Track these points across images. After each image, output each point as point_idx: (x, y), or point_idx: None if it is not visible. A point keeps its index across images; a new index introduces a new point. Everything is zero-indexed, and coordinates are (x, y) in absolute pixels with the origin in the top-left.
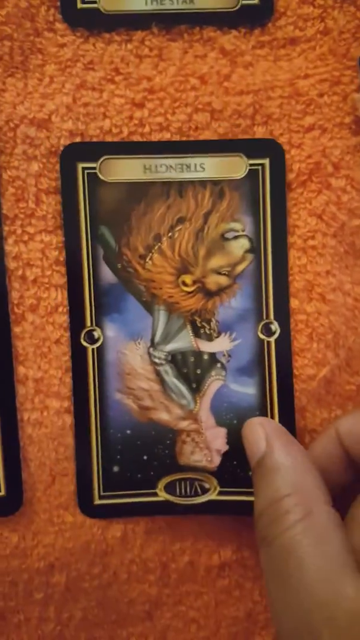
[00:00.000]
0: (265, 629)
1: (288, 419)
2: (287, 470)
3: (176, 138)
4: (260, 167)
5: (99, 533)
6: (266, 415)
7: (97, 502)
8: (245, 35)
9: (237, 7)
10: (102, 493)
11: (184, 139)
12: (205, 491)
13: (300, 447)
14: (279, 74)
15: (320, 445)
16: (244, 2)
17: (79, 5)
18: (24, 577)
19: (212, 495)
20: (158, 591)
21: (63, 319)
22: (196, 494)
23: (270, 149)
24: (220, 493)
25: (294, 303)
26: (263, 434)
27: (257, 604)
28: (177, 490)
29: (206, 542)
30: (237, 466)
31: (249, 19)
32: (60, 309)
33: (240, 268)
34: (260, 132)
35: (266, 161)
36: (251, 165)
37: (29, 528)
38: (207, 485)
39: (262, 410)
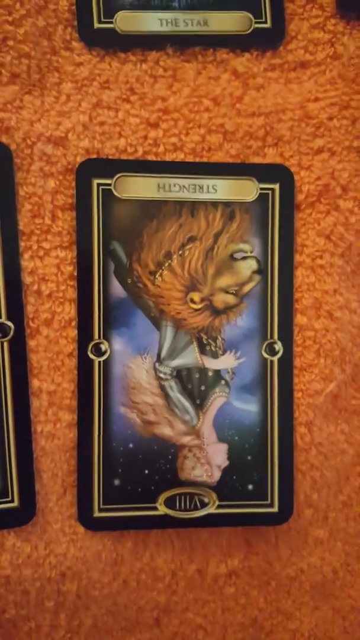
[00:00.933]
0: (270, 635)
1: (288, 437)
2: None
3: (190, 158)
4: (270, 192)
5: (110, 543)
6: (267, 432)
7: (97, 514)
8: (258, 58)
9: (250, 31)
10: (102, 506)
11: (197, 159)
12: (204, 505)
13: None
14: (290, 97)
15: None
16: (256, 25)
17: (96, 25)
18: (36, 585)
19: (211, 509)
20: (166, 599)
21: (75, 332)
22: (195, 508)
23: (280, 174)
24: (219, 507)
25: (302, 320)
26: None
27: (263, 611)
28: (177, 504)
29: (214, 551)
30: (236, 480)
31: (262, 42)
32: (73, 323)
33: (247, 288)
34: (270, 154)
35: (276, 186)
36: (262, 189)
37: (42, 538)
38: (206, 500)
39: (263, 427)
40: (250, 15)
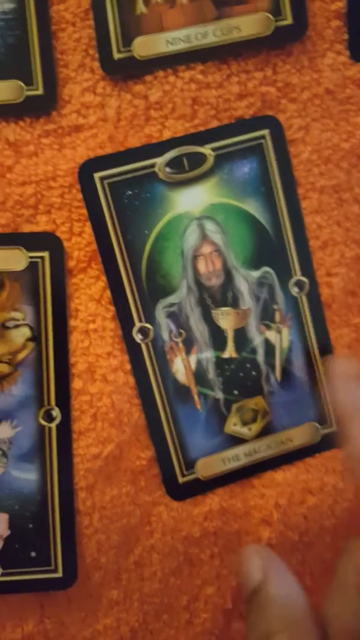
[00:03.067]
0: None
1: (69, 502)
2: (281, 604)
3: None
4: (40, 260)
5: None
6: (47, 499)
7: None
8: (32, 125)
9: (22, 99)
10: None
11: None
12: None
13: (293, 580)
14: (61, 164)
15: None
16: (28, 92)
17: None
18: None
19: None
20: None
21: None
22: None
23: (49, 242)
24: (3, 574)
25: (77, 384)
26: (259, 563)
27: None
28: None
29: (9, 616)
30: (18, 549)
31: (34, 108)
32: None
33: (21, 356)
34: (43, 222)
35: (46, 254)
36: (31, 257)
37: None
38: None
39: (43, 494)
40: (21, 83)
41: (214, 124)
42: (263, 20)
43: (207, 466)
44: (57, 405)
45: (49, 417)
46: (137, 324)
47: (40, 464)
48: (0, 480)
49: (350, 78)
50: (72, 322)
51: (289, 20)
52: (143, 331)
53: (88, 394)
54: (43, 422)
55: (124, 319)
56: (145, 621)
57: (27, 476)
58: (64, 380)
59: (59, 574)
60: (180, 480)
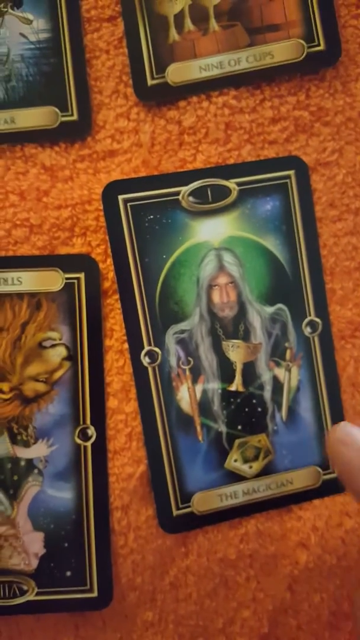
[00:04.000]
0: None
1: (104, 522)
2: None
3: None
4: (76, 281)
5: None
6: (82, 518)
7: None
8: (67, 150)
9: (57, 124)
10: None
11: (3, 253)
12: (23, 593)
13: None
14: (96, 188)
15: None
16: (63, 118)
17: None
18: None
19: (31, 596)
20: None
21: None
22: (14, 596)
23: (85, 263)
24: (38, 594)
25: (112, 403)
26: None
27: None
28: None
29: (41, 637)
30: (54, 568)
31: (69, 134)
32: None
33: (57, 375)
34: (79, 244)
35: (81, 275)
36: (67, 278)
37: None
38: (25, 587)
39: (78, 513)
40: (57, 109)
41: (248, 148)
42: (296, 47)
43: (204, 501)
44: (92, 424)
45: (85, 436)
46: (146, 347)
47: (76, 483)
48: (36, 498)
49: None
50: (107, 342)
51: (321, 47)
52: (151, 355)
53: (123, 413)
54: (79, 441)
55: (133, 341)
56: None
57: (62, 495)
58: (100, 399)
59: (94, 594)
60: (175, 513)
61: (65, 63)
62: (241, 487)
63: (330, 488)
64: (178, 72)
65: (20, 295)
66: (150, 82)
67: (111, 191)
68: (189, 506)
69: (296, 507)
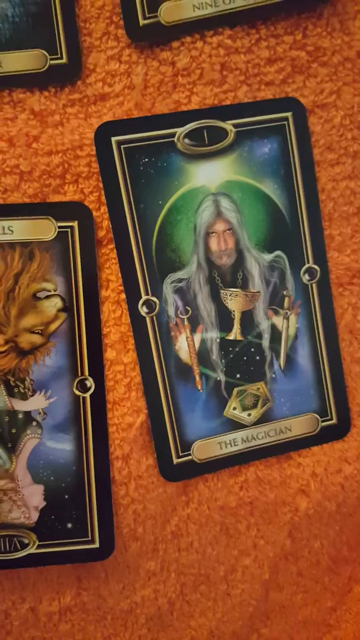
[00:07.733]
0: None
1: (104, 472)
2: None
3: None
4: (69, 229)
5: None
6: (83, 470)
7: None
8: (56, 94)
9: (45, 68)
10: None
11: None
12: (24, 546)
13: None
14: (87, 132)
15: None
16: (52, 62)
17: None
18: None
19: (32, 549)
20: (1, 639)
21: None
22: (15, 550)
23: (78, 211)
24: (39, 546)
25: (111, 354)
26: None
27: None
28: None
29: (45, 589)
30: (55, 520)
31: (59, 78)
32: None
33: (53, 326)
34: (71, 191)
35: (75, 223)
36: (60, 227)
37: None
38: (26, 541)
39: (79, 464)
40: (45, 52)
41: (244, 89)
42: None
43: (204, 449)
44: (90, 375)
45: (83, 387)
46: (144, 297)
47: (76, 434)
48: (35, 451)
49: None
50: (104, 293)
51: None
52: (149, 304)
53: (122, 364)
54: (77, 392)
55: (130, 291)
56: (183, 592)
57: (62, 446)
58: (97, 351)
59: (96, 545)
60: (175, 461)
61: (52, 3)
62: (240, 435)
63: (329, 435)
64: (171, 11)
65: (12, 245)
66: (142, 22)
67: (104, 133)
68: (189, 454)
69: (295, 454)
